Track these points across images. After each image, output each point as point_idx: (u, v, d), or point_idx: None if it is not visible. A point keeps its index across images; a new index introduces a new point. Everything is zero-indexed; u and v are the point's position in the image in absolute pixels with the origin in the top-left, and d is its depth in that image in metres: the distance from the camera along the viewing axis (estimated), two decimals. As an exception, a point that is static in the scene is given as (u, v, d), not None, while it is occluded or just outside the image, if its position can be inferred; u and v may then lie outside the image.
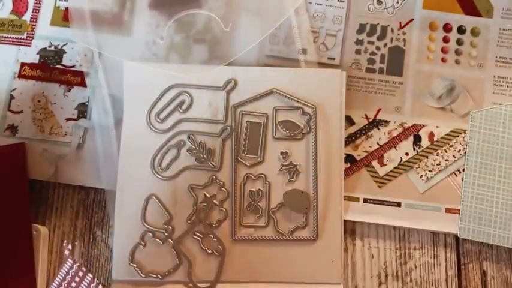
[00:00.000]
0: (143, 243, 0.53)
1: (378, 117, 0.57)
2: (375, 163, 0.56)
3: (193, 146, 0.54)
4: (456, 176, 0.56)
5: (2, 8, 0.58)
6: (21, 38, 0.57)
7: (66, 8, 0.57)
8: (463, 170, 0.55)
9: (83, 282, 0.41)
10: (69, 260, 0.41)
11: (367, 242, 0.55)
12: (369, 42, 0.57)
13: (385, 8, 0.58)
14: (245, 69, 0.55)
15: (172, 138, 0.54)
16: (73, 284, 0.41)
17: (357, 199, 0.55)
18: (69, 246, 0.41)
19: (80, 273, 0.41)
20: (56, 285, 0.41)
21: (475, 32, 0.58)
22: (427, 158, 0.56)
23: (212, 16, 0.56)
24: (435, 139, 0.56)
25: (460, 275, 0.55)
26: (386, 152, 0.56)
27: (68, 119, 0.56)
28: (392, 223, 0.55)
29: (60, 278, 0.41)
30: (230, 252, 0.53)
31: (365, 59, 0.57)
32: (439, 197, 0.55)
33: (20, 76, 0.56)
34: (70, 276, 0.41)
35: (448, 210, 0.55)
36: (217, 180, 0.54)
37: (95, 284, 0.41)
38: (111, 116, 0.55)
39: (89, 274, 0.40)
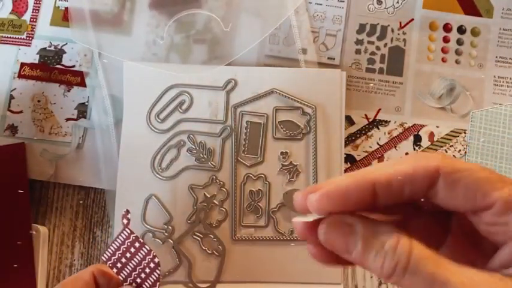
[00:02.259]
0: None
1: (378, 117, 0.57)
2: (375, 163, 0.56)
3: (193, 146, 0.54)
4: (456, 176, 0.56)
5: (2, 8, 0.58)
6: (21, 38, 0.57)
7: (66, 8, 0.57)
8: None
9: (139, 253, 0.41)
10: (127, 230, 0.40)
11: (367, 242, 0.55)
12: (369, 42, 0.57)
13: (385, 8, 0.58)
14: (245, 69, 0.55)
15: (172, 138, 0.54)
16: (127, 255, 0.41)
17: (357, 199, 0.55)
18: (129, 216, 0.41)
19: (137, 244, 0.41)
20: (110, 254, 0.41)
21: (475, 32, 0.58)
22: (427, 158, 0.56)
23: (212, 16, 0.56)
24: (435, 139, 0.56)
25: (460, 275, 0.55)
26: (387, 152, 0.56)
27: (67, 119, 0.56)
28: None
29: (115, 246, 0.41)
30: (230, 252, 0.53)
31: (365, 59, 0.57)
32: (439, 197, 0.55)
33: (20, 76, 0.56)
34: (126, 246, 0.41)
35: (448, 210, 0.55)
36: (217, 180, 0.54)
37: (151, 256, 0.40)
38: (111, 116, 0.55)
39: (146, 246, 0.40)
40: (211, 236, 0.53)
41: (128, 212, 0.41)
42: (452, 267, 0.24)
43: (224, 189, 0.53)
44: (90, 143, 0.55)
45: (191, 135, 0.54)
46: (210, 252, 0.53)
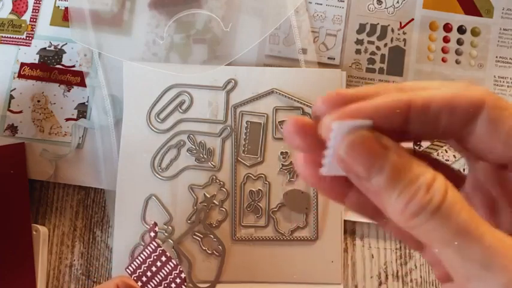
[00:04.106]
0: (143, 243, 0.52)
1: (378, 117, 0.57)
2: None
3: (193, 146, 0.54)
4: (456, 176, 0.55)
5: (2, 8, 0.58)
6: (21, 38, 0.57)
7: (66, 8, 0.57)
8: (464, 170, 0.55)
9: (165, 267, 0.40)
10: (154, 243, 0.40)
11: (367, 242, 0.55)
12: (369, 42, 0.57)
13: (385, 8, 0.58)
14: (245, 69, 0.55)
15: (172, 138, 0.54)
16: (153, 268, 0.40)
17: (357, 199, 0.55)
18: (156, 228, 0.40)
19: (163, 258, 0.40)
20: (135, 266, 0.40)
21: (475, 32, 0.58)
22: (427, 158, 0.56)
23: (212, 16, 0.56)
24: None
25: (460, 275, 0.55)
26: (387, 152, 0.56)
27: (67, 119, 0.56)
28: (393, 223, 0.55)
29: (141, 259, 0.41)
30: (230, 252, 0.53)
31: (365, 58, 0.57)
32: (439, 197, 0.55)
33: (20, 76, 0.56)
34: (152, 259, 0.40)
35: (448, 210, 0.55)
36: (217, 180, 0.54)
37: (177, 271, 0.40)
38: (111, 116, 0.55)
39: (173, 260, 0.39)
40: (211, 236, 0.53)
41: (155, 224, 0.40)
42: (485, 223, 0.21)
43: (224, 189, 0.53)
44: (90, 143, 0.55)
45: (191, 135, 0.54)
46: (210, 252, 0.53)
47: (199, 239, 0.53)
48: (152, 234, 0.40)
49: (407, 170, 0.21)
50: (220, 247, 0.53)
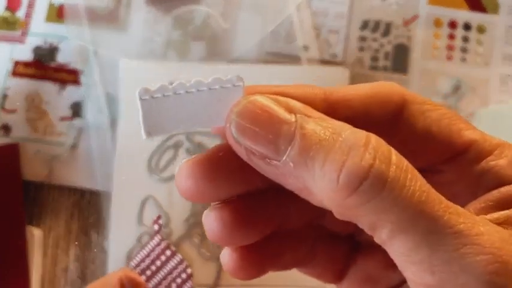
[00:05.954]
0: (140, 245, 0.52)
1: (382, 116, 0.56)
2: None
3: (191, 146, 0.53)
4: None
5: (-5, 5, 0.57)
6: (15, 35, 0.56)
7: (61, 5, 0.56)
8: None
9: (170, 262, 0.39)
10: (158, 236, 0.39)
11: (370, 245, 0.54)
12: (373, 39, 0.57)
13: (389, 4, 0.57)
14: (245, 66, 0.54)
15: (170, 138, 0.53)
16: (157, 263, 0.39)
17: (360, 200, 0.54)
18: (160, 221, 0.40)
19: (168, 252, 0.39)
20: (138, 260, 0.40)
21: (481, 29, 0.57)
22: (432, 158, 0.55)
23: (211, 12, 0.56)
24: (440, 139, 0.56)
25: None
26: (390, 152, 0.55)
27: (62, 118, 0.55)
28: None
29: (145, 253, 0.40)
30: (230, 255, 0.52)
31: (369, 56, 0.56)
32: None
33: (14, 74, 0.55)
34: (156, 253, 0.39)
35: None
36: (217, 181, 0.53)
37: (184, 266, 0.39)
38: (106, 115, 0.54)
39: (178, 254, 0.38)
40: (210, 238, 0.52)
41: (159, 217, 0.40)
42: (443, 198, 0.16)
43: (223, 191, 0.53)
44: (85, 143, 0.54)
45: (189, 135, 0.53)
46: (209, 255, 0.52)
47: (198, 242, 0.52)
48: (156, 227, 0.39)
49: (327, 130, 0.16)
50: (219, 250, 0.52)
